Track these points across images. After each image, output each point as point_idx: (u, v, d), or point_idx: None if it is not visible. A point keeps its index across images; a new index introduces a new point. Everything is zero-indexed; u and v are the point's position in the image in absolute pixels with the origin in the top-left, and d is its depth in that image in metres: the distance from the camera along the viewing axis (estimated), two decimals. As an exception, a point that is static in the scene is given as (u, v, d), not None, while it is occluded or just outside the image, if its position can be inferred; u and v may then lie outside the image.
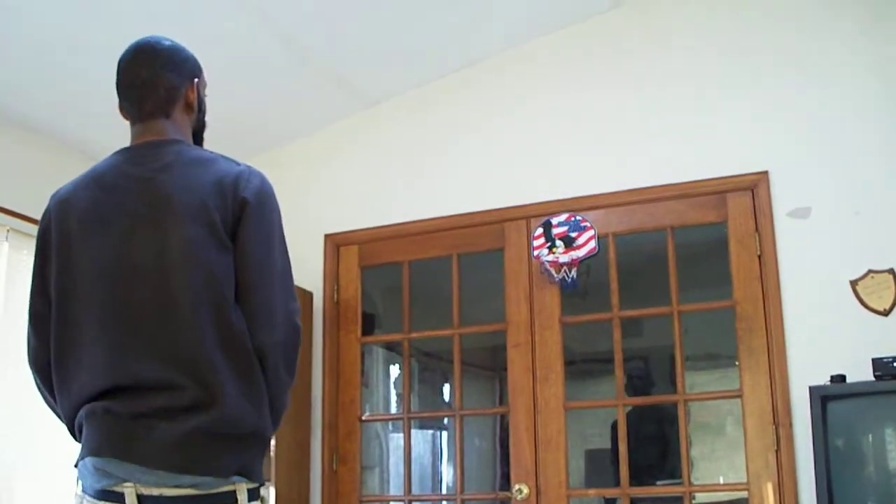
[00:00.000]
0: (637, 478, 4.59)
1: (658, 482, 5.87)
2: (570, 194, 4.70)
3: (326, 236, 5.20)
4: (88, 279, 2.29)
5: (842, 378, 3.83)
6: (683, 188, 4.49)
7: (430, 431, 8.36)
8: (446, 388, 8.33)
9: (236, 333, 2.25)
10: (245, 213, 2.31)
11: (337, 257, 5.19)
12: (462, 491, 4.88)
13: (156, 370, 2.19)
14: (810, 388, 3.84)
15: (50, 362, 2.36)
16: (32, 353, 2.45)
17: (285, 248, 2.43)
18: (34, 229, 4.66)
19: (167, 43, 2.50)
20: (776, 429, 4.12)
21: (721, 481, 6.37)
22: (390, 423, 7.09)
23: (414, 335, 5.11)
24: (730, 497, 5.04)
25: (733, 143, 4.44)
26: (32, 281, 2.45)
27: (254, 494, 2.26)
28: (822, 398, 3.78)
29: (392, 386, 7.38)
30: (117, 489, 2.16)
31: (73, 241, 2.34)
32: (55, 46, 4.22)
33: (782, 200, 4.30)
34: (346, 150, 5.37)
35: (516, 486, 4.55)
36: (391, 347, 6.78)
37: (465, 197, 4.95)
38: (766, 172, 4.34)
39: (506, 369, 4.76)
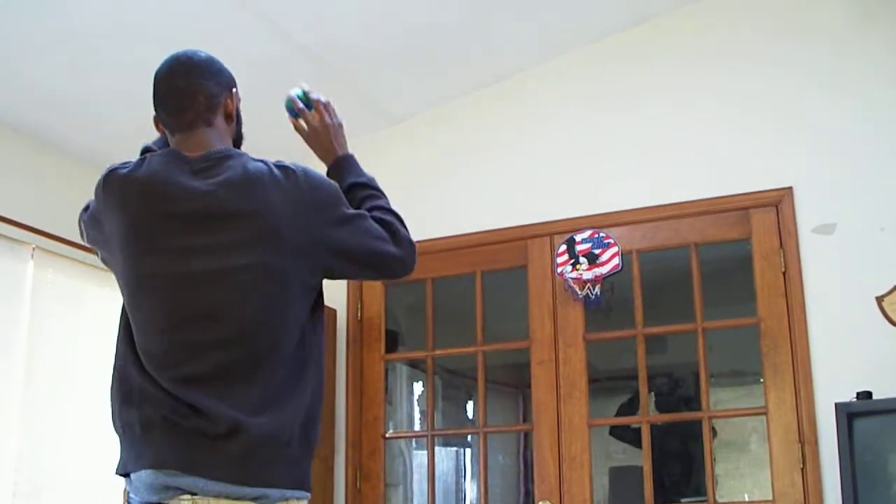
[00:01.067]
0: (662, 495, 4.57)
1: (683, 499, 5.84)
2: (593, 211, 4.69)
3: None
4: (143, 294, 2.30)
5: (868, 395, 3.81)
6: (707, 204, 4.48)
7: (454, 449, 8.34)
8: (470, 406, 8.31)
9: (291, 356, 2.28)
10: (317, 224, 2.33)
11: (361, 274, 5.19)
12: (486, 508, 4.87)
13: (213, 391, 2.18)
14: (836, 405, 3.82)
15: None
16: None
17: (353, 212, 2.45)
18: (59, 247, 4.74)
19: (202, 54, 2.52)
20: (802, 446, 4.09)
21: (746, 499, 6.33)
22: (414, 441, 7.07)
23: (437, 352, 5.10)
24: (756, 515, 5.02)
25: (757, 159, 4.43)
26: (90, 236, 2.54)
27: None
28: (849, 415, 3.75)
29: (416, 403, 7.37)
30: (173, 503, 2.16)
31: (124, 251, 2.33)
32: (82, 67, 4.26)
33: (807, 216, 4.28)
34: (368, 167, 5.33)
35: (540, 504, 4.54)
36: (415, 365, 6.77)
37: (488, 214, 4.95)
38: (790, 188, 4.32)
39: (529, 386, 4.75)
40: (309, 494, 2.33)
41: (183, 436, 2.17)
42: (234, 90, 2.58)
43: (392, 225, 2.52)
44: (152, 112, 2.56)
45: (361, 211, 2.48)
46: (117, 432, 2.38)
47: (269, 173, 2.34)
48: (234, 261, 2.23)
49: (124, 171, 2.39)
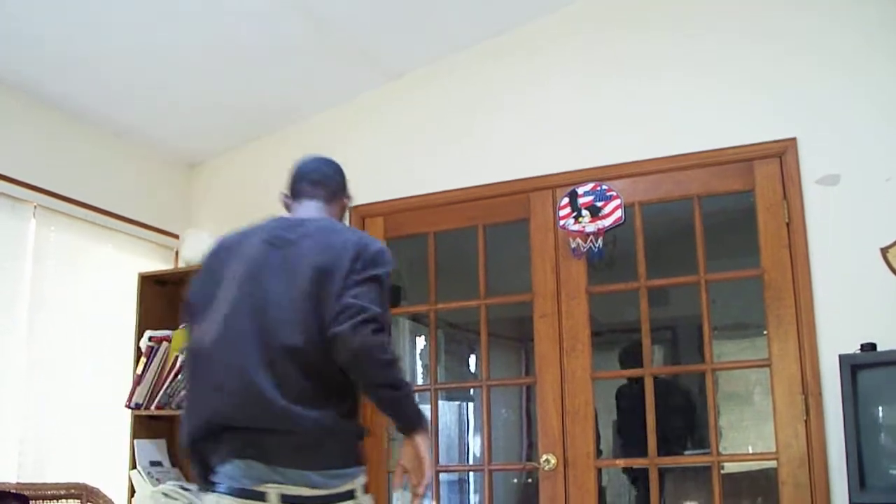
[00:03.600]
0: (665, 448, 4.58)
1: (686, 452, 5.86)
2: (595, 163, 4.67)
3: (352, 208, 5.18)
4: (227, 309, 2.80)
5: (872, 346, 3.80)
6: (710, 156, 4.45)
7: (457, 402, 8.37)
8: (472, 359, 8.34)
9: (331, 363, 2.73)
10: (356, 264, 2.80)
11: (362, 229, 5.18)
12: (489, 461, 4.89)
13: (285, 393, 2.67)
14: (840, 356, 3.81)
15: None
16: None
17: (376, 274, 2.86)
18: (61, 205, 4.75)
19: (339, 164, 3.32)
20: (805, 398, 4.10)
21: (750, 451, 6.36)
22: (417, 395, 7.09)
23: (440, 306, 5.10)
24: (759, 466, 5.04)
25: (760, 109, 4.40)
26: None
27: (365, 488, 2.82)
28: (852, 367, 3.74)
29: (418, 357, 7.39)
30: (260, 489, 2.62)
31: (226, 279, 2.88)
32: (85, 25, 4.23)
33: (811, 167, 4.25)
34: (370, 122, 5.36)
35: (544, 457, 4.55)
36: (417, 319, 6.77)
37: (491, 167, 4.93)
38: (794, 139, 4.29)
39: (532, 340, 4.75)
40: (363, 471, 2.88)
41: (261, 433, 2.65)
42: (348, 199, 3.34)
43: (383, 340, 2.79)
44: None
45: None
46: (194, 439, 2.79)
47: (348, 243, 2.88)
48: (305, 288, 2.77)
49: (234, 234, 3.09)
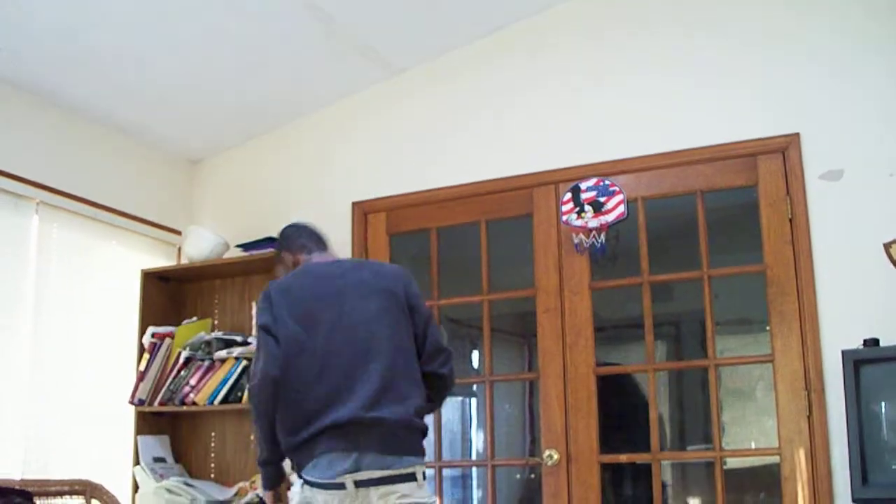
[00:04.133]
0: (668, 442, 4.58)
1: (689, 447, 5.85)
2: (598, 159, 4.67)
3: (354, 204, 5.19)
4: (321, 333, 3.39)
5: (875, 342, 3.80)
6: (713, 151, 4.45)
7: (460, 398, 8.36)
8: (475, 355, 8.32)
9: (414, 368, 3.49)
10: (410, 293, 3.57)
11: (365, 225, 5.18)
12: (492, 457, 4.90)
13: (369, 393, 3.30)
14: (843, 352, 3.81)
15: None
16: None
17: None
18: (64, 202, 4.74)
19: None
20: (808, 394, 4.10)
21: (753, 446, 6.35)
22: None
23: (442, 302, 5.10)
24: (761, 462, 5.03)
25: (763, 105, 4.39)
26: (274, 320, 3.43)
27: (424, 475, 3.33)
28: (855, 362, 3.74)
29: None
30: (338, 480, 3.20)
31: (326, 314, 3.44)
32: (85, 23, 4.22)
33: (814, 163, 4.25)
34: (373, 118, 5.35)
35: (547, 452, 4.55)
36: (420, 315, 6.74)
37: (494, 163, 4.93)
38: (797, 134, 4.29)
39: (535, 335, 4.75)
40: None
41: (354, 427, 3.24)
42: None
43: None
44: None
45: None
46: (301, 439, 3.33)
47: (375, 262, 3.96)
48: (373, 305, 3.46)
49: (287, 277, 3.69)
